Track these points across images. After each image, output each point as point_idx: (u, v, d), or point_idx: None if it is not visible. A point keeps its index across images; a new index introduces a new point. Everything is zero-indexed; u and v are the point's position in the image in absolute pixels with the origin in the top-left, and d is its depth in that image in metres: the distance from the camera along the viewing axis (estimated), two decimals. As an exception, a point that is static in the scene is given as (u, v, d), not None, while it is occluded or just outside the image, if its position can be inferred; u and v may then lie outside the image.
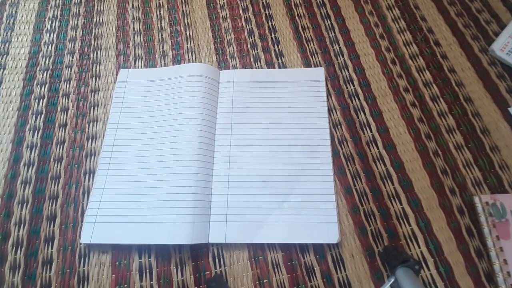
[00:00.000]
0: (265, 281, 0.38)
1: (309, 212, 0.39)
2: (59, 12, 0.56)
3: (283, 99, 0.46)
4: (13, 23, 0.55)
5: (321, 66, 0.49)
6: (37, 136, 0.46)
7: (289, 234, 0.38)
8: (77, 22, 0.55)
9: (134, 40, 0.53)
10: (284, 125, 0.44)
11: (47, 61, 0.51)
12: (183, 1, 0.56)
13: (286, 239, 0.38)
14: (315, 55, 0.50)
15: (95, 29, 0.54)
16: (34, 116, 0.47)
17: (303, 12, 0.54)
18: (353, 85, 0.48)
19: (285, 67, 0.49)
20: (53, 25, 0.54)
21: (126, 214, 0.39)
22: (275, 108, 0.46)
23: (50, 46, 0.52)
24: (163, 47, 0.52)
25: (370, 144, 0.44)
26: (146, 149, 0.43)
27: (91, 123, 0.46)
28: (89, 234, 0.39)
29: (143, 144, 0.43)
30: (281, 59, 0.50)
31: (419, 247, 0.39)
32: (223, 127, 0.44)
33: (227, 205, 0.40)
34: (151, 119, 0.45)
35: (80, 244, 0.39)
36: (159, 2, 0.56)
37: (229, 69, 0.50)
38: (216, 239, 0.38)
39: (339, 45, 0.51)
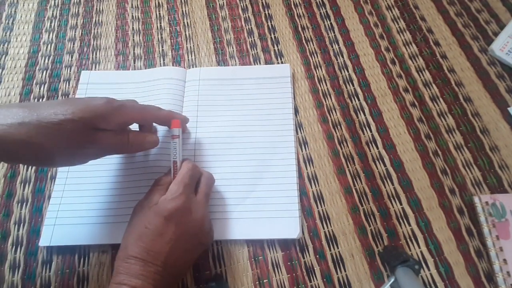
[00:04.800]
0: (265, 281, 0.38)
1: (271, 208, 0.40)
2: (58, 12, 0.56)
3: (248, 96, 0.46)
4: (12, 23, 0.55)
5: (321, 66, 0.49)
6: (37, 136, 0.46)
7: (251, 230, 0.39)
8: (76, 22, 0.55)
9: (133, 40, 0.53)
10: (248, 122, 0.45)
11: (46, 61, 0.51)
12: (183, 1, 0.56)
13: (248, 235, 0.39)
14: (315, 55, 0.50)
15: (94, 29, 0.54)
16: (33, 116, 0.47)
17: (302, 12, 0.54)
18: (353, 85, 0.48)
19: (285, 67, 0.49)
20: (53, 24, 0.54)
21: (85, 216, 0.40)
22: (240, 106, 0.46)
23: (49, 46, 0.52)
24: (162, 47, 0.52)
25: (370, 144, 0.44)
26: None
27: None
28: (48, 237, 0.39)
29: None
30: (281, 59, 0.50)
31: (419, 247, 0.39)
32: (188, 125, 0.44)
33: None
34: None
35: (39, 246, 0.39)
36: (159, 2, 0.56)
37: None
38: None
39: (338, 45, 0.51)
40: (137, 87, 0.48)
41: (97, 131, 0.31)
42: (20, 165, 0.44)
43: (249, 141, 0.43)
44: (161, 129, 0.43)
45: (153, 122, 0.39)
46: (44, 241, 0.39)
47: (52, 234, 0.39)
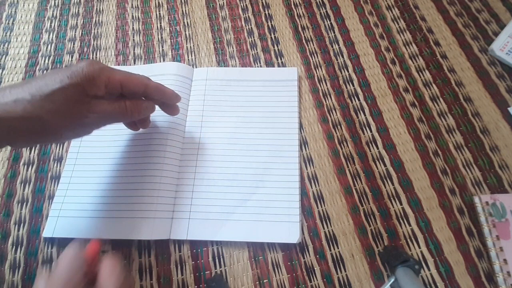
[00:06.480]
0: (265, 281, 0.38)
1: (272, 212, 0.40)
2: (58, 12, 0.56)
3: (253, 98, 0.46)
4: (12, 23, 0.55)
5: (321, 66, 0.49)
6: (37, 136, 0.46)
7: (251, 232, 0.39)
8: (77, 22, 0.55)
9: (133, 40, 0.53)
10: (253, 124, 0.45)
11: (46, 61, 0.51)
12: (183, 1, 0.56)
13: (248, 237, 0.39)
14: (315, 55, 0.50)
15: (94, 29, 0.54)
16: (33, 116, 0.47)
17: (302, 12, 0.54)
18: (353, 85, 0.48)
19: (284, 66, 0.49)
20: (53, 24, 0.54)
21: (90, 209, 0.40)
22: (246, 107, 0.46)
23: (49, 46, 0.52)
24: (162, 47, 0.52)
25: (370, 144, 0.44)
26: (113, 145, 0.43)
27: (91, 123, 0.46)
28: (51, 228, 0.39)
29: (110, 141, 0.43)
30: (281, 59, 0.50)
31: (419, 247, 0.39)
32: (193, 125, 0.45)
33: (191, 202, 0.40)
34: None
35: (42, 237, 0.40)
36: (159, 2, 0.56)
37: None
38: (177, 236, 0.39)
39: (338, 45, 0.51)
40: None
41: (92, 99, 0.31)
42: (21, 165, 0.44)
43: (253, 143, 0.43)
44: (163, 131, 0.43)
45: (143, 89, 0.36)
46: (47, 232, 0.39)
47: (56, 226, 0.39)
